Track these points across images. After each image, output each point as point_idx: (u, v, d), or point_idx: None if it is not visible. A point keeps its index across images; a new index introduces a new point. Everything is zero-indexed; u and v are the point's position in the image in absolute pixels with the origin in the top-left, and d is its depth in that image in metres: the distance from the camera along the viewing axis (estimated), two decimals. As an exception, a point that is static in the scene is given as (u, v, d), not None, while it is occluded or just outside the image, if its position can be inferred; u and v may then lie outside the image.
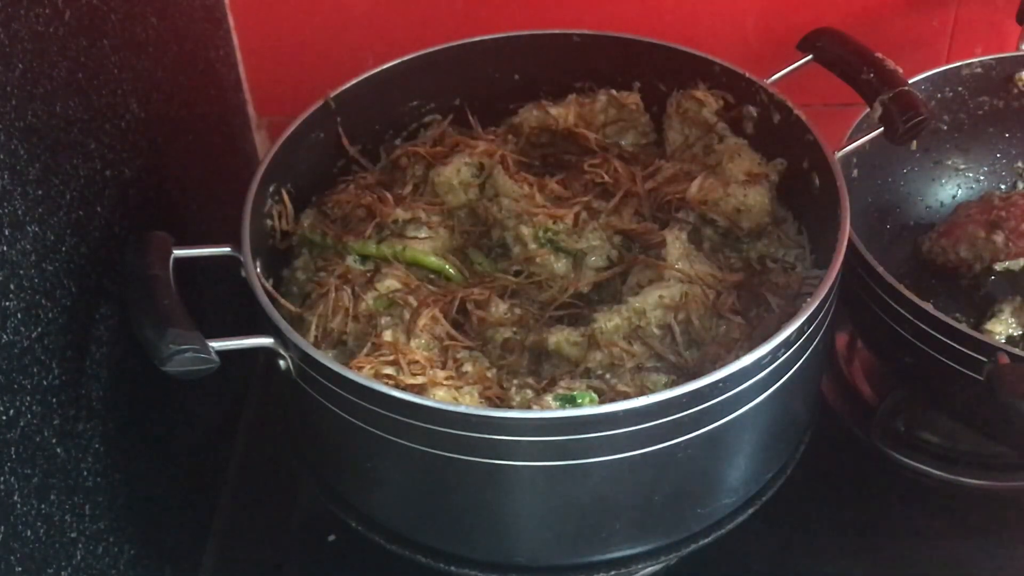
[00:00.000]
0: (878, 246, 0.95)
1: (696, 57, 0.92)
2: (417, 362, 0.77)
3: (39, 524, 0.69)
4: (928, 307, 0.84)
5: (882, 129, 0.85)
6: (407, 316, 0.80)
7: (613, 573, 0.79)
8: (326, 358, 0.72)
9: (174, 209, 0.94)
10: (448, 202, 0.90)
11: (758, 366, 0.71)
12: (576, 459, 0.70)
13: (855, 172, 1.01)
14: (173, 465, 0.91)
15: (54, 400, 0.71)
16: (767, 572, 0.91)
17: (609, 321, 0.80)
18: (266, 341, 0.74)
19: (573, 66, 0.96)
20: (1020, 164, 1.09)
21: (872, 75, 0.86)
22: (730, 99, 0.91)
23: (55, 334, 0.71)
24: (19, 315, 0.67)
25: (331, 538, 0.93)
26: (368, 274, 0.83)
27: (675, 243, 0.83)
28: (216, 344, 0.70)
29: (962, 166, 1.09)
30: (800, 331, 0.73)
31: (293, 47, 1.12)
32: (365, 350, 0.77)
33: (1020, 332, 0.97)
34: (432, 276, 0.86)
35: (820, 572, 0.91)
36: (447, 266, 0.86)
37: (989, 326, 0.97)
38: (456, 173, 0.90)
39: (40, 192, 0.70)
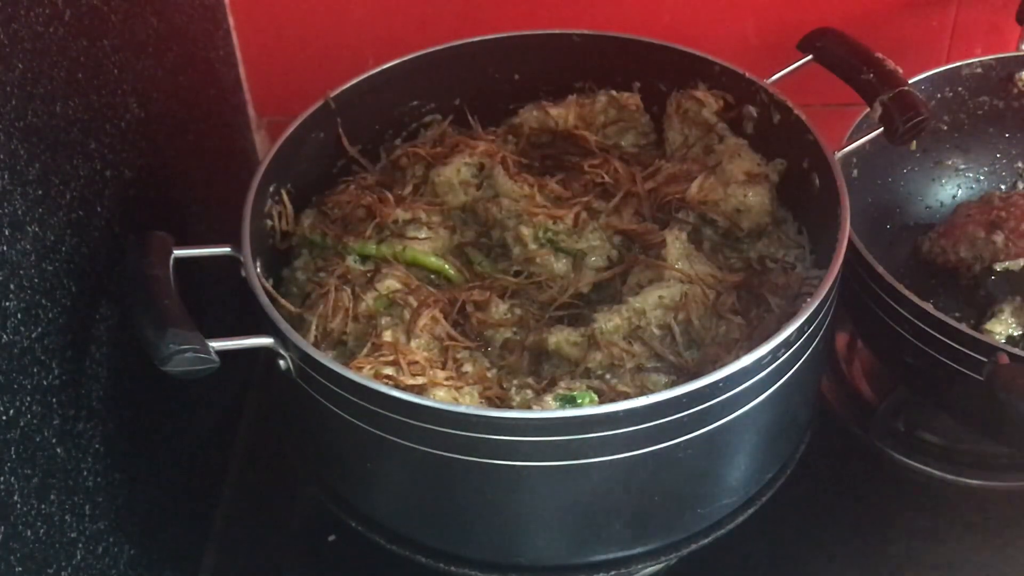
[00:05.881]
0: (878, 246, 0.95)
1: (696, 57, 0.92)
2: (417, 362, 0.77)
3: (39, 524, 0.69)
4: (928, 307, 0.84)
5: (882, 129, 0.85)
6: (407, 316, 0.80)
7: (613, 573, 0.79)
8: (326, 358, 0.72)
9: (174, 209, 0.94)
10: (448, 202, 0.90)
11: (758, 366, 0.71)
12: (576, 459, 0.70)
13: (855, 172, 1.01)
14: (173, 465, 0.91)
15: (54, 400, 0.71)
16: (767, 572, 0.91)
17: (609, 321, 0.80)
18: (266, 341, 0.74)
19: (573, 66, 0.96)
20: (1020, 164, 1.09)
21: (872, 75, 0.86)
22: (730, 99, 0.91)
23: (55, 334, 0.71)
24: (19, 315, 0.67)
25: (331, 538, 0.93)
26: (368, 274, 0.83)
27: (675, 243, 0.83)
28: (216, 344, 0.70)
29: (962, 166, 1.09)
30: (800, 331, 0.73)
31: (293, 47, 1.12)
32: (365, 350, 0.77)
33: (1020, 332, 0.97)
34: (432, 276, 0.86)
35: (820, 572, 0.91)
36: (447, 266, 0.86)
37: (989, 326, 0.97)
38: (456, 173, 0.90)
39: (40, 192, 0.70)
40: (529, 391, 0.78)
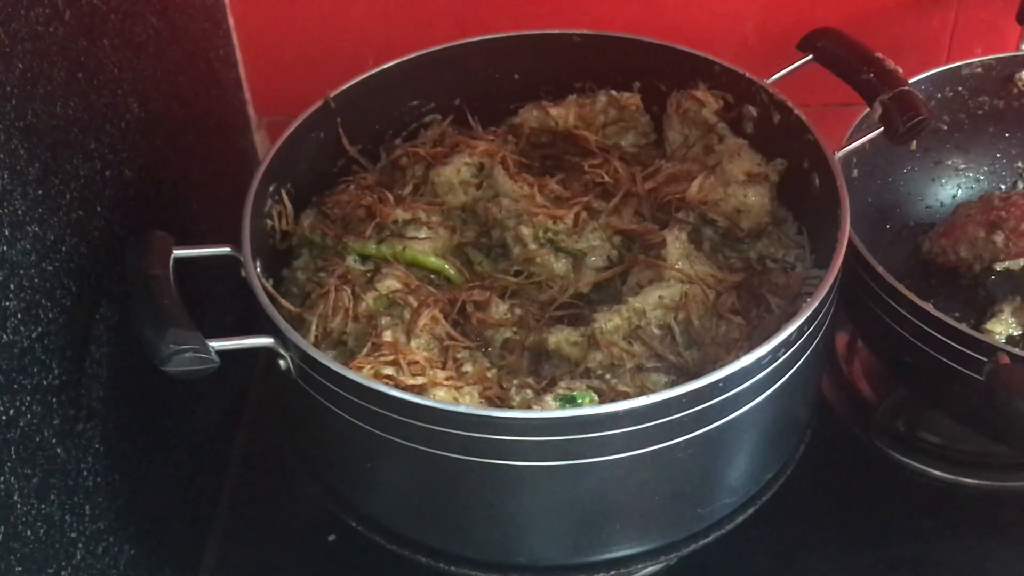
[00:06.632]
0: (878, 246, 0.95)
1: (696, 57, 0.92)
2: (417, 362, 0.76)
3: (39, 524, 0.69)
4: (928, 307, 0.84)
5: (882, 129, 0.85)
6: (407, 316, 0.80)
7: (613, 573, 0.79)
8: (326, 358, 0.72)
9: (174, 209, 0.94)
10: (448, 202, 0.90)
11: (758, 366, 0.71)
12: (576, 459, 0.70)
13: (855, 172, 1.01)
14: (173, 465, 0.91)
15: (54, 400, 0.71)
16: (767, 572, 0.91)
17: (609, 321, 0.80)
18: (266, 341, 0.74)
19: (573, 66, 0.96)
20: (1020, 164, 1.09)
21: (872, 75, 0.86)
22: (730, 99, 0.91)
23: (55, 334, 0.71)
24: (19, 315, 0.67)
25: (331, 538, 0.93)
26: (368, 274, 0.83)
27: (675, 243, 0.83)
28: (216, 344, 0.70)
29: (962, 166, 1.09)
30: (800, 331, 0.73)
31: (293, 47, 1.13)
32: (365, 350, 0.77)
33: (1020, 332, 0.97)
34: (432, 276, 0.86)
35: (820, 572, 0.91)
36: (447, 266, 0.86)
37: (989, 326, 0.97)
38: (456, 173, 0.90)
39: (40, 192, 0.70)
40: (529, 391, 0.78)
